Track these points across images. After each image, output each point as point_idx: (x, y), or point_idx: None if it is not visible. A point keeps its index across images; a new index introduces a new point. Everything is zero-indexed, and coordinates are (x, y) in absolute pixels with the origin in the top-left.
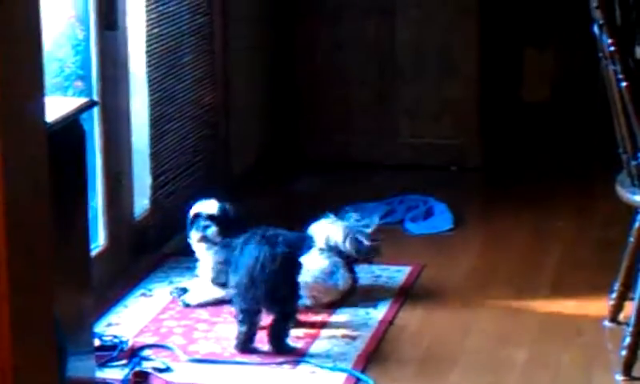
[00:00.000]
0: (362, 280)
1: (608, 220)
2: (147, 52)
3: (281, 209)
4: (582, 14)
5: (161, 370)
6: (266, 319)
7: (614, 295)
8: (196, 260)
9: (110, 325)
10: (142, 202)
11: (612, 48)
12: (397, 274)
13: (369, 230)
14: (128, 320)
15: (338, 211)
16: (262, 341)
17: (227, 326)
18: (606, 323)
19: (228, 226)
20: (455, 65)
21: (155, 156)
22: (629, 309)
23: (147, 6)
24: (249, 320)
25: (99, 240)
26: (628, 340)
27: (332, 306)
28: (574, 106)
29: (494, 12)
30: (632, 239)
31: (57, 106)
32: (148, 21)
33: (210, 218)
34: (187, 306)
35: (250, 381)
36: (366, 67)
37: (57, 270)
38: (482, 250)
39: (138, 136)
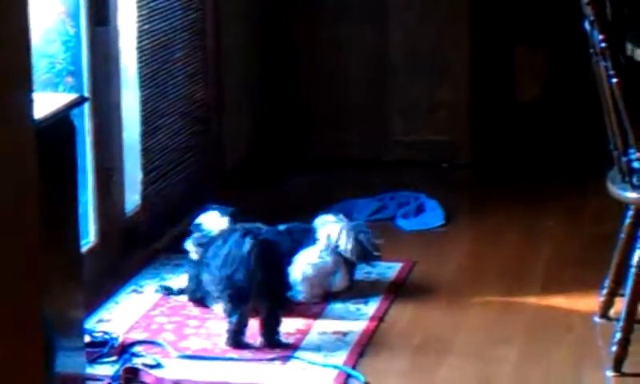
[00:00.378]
0: (354, 276)
1: (599, 217)
2: (138, 48)
3: (272, 206)
4: (574, 12)
5: (151, 367)
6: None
7: (605, 291)
8: (187, 257)
9: (100, 321)
10: (133, 198)
11: (603, 44)
12: (388, 270)
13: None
14: (119, 316)
15: (328, 209)
16: (253, 336)
17: (218, 323)
18: (597, 319)
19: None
20: (446, 67)
21: (146, 152)
22: (619, 305)
23: (138, 2)
24: (237, 310)
25: (90, 236)
26: (618, 336)
27: (323, 302)
28: (565, 105)
29: (486, 11)
30: (622, 235)
31: (47, 102)
32: (139, 16)
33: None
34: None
35: (241, 377)
36: (360, 67)
37: (47, 266)
38: (473, 247)
39: (129, 132)
